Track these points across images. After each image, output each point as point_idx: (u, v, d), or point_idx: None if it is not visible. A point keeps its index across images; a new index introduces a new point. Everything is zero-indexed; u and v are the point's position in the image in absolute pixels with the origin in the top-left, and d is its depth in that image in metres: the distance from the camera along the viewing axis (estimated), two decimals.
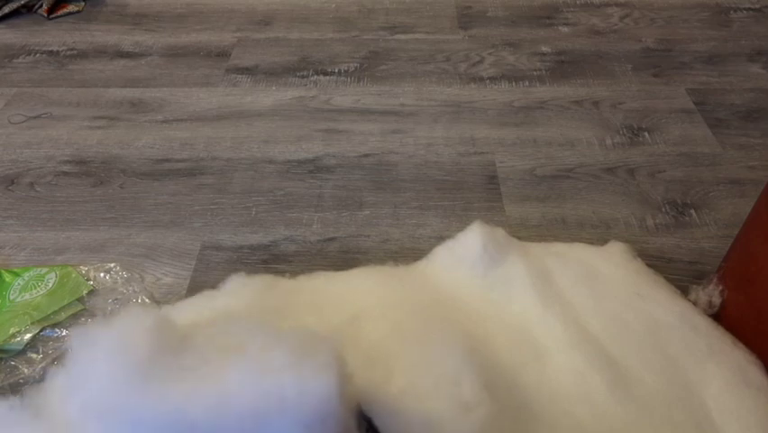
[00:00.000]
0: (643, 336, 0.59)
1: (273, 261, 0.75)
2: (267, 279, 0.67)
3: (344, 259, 0.75)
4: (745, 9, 1.24)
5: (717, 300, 0.63)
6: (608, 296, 0.63)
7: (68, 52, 1.15)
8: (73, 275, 0.72)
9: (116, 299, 0.70)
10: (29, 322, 0.66)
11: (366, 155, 0.91)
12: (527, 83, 1.05)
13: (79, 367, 0.43)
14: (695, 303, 0.64)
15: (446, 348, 0.53)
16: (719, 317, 0.63)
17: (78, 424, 0.43)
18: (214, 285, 0.67)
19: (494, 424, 0.48)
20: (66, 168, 0.89)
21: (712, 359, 0.57)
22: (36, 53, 1.14)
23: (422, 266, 0.70)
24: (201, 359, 0.42)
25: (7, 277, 0.72)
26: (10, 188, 0.86)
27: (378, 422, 0.45)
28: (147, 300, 0.70)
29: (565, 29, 1.19)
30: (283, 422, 0.39)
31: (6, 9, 1.23)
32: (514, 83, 1.05)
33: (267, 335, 0.43)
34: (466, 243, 0.67)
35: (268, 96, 1.03)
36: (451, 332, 0.56)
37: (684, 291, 0.67)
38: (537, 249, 0.70)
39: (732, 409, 0.45)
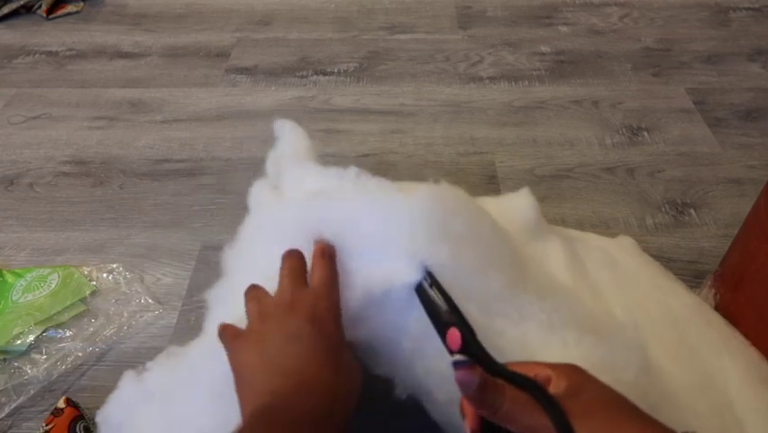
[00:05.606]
0: (663, 325, 0.58)
1: None
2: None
3: None
4: (744, 9, 1.24)
5: (710, 303, 0.63)
6: (630, 284, 0.62)
7: (68, 53, 1.14)
8: (75, 276, 0.72)
9: (118, 300, 0.70)
10: (32, 323, 0.66)
11: (366, 155, 0.91)
12: (527, 83, 1.05)
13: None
14: None
15: None
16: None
17: None
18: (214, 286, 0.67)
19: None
20: (65, 168, 0.89)
21: (728, 353, 0.56)
22: (35, 54, 1.14)
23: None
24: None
25: (9, 278, 0.72)
26: (9, 188, 0.86)
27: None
28: (150, 301, 0.70)
29: (565, 29, 1.19)
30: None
31: (5, 9, 1.23)
32: (513, 83, 1.05)
33: None
34: (519, 204, 0.62)
35: (267, 96, 1.03)
36: None
37: None
38: (560, 231, 0.67)
39: (751, 402, 0.44)
